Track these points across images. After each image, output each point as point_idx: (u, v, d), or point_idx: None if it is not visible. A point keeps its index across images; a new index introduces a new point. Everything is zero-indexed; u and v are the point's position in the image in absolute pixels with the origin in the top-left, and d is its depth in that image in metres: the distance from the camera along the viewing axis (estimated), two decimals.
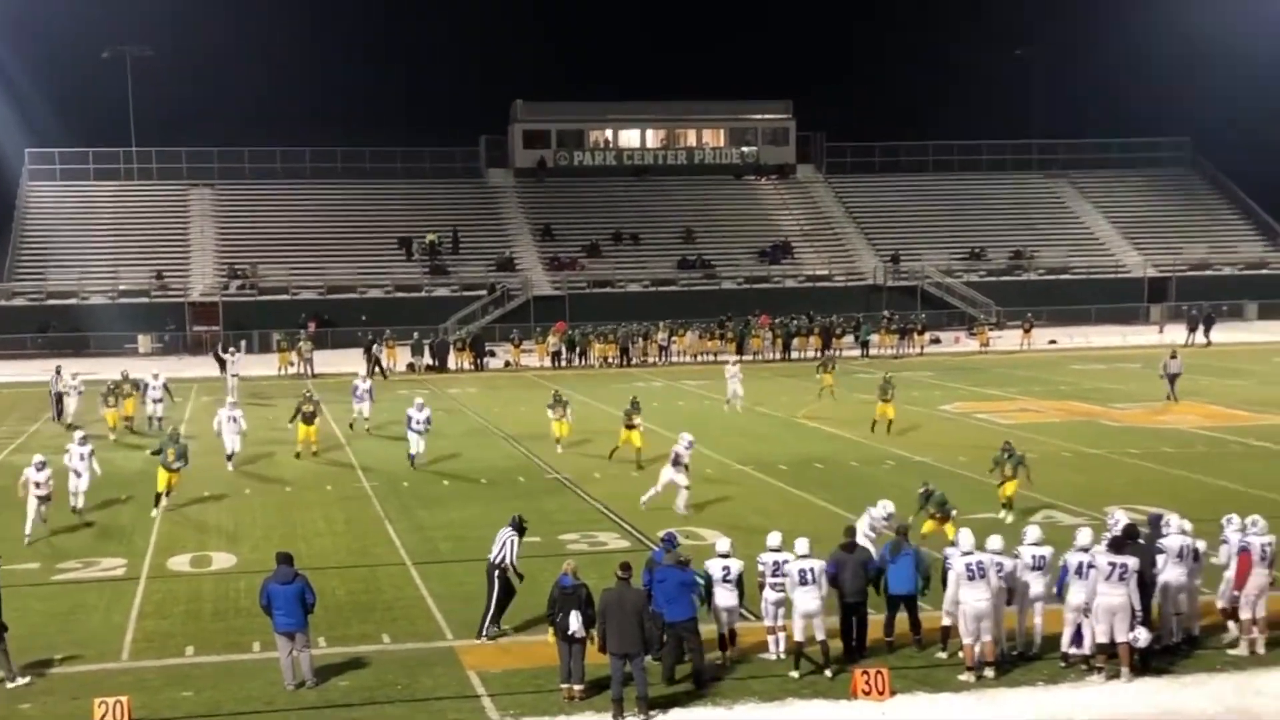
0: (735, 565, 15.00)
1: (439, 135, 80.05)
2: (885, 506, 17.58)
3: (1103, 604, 14.25)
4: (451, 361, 52.75)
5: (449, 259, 71.22)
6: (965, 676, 14.31)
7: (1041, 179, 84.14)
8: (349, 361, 50.18)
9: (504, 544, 16.03)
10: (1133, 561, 14.38)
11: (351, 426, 34.04)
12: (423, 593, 18.25)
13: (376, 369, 47.99)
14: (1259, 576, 15.00)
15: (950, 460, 27.64)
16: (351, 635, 16.30)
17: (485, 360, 53.48)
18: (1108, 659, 14.30)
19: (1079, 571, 14.49)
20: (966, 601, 14.37)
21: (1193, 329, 56.54)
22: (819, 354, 53.63)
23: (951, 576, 14.58)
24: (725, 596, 14.92)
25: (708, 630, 14.69)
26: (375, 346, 49.80)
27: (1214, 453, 28.42)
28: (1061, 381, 42.39)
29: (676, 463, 22.89)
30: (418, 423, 28.61)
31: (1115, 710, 13.63)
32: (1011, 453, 21.99)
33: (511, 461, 29.34)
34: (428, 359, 51.88)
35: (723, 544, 15.41)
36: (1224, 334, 57.54)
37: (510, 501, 23.87)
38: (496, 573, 15.91)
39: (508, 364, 53.85)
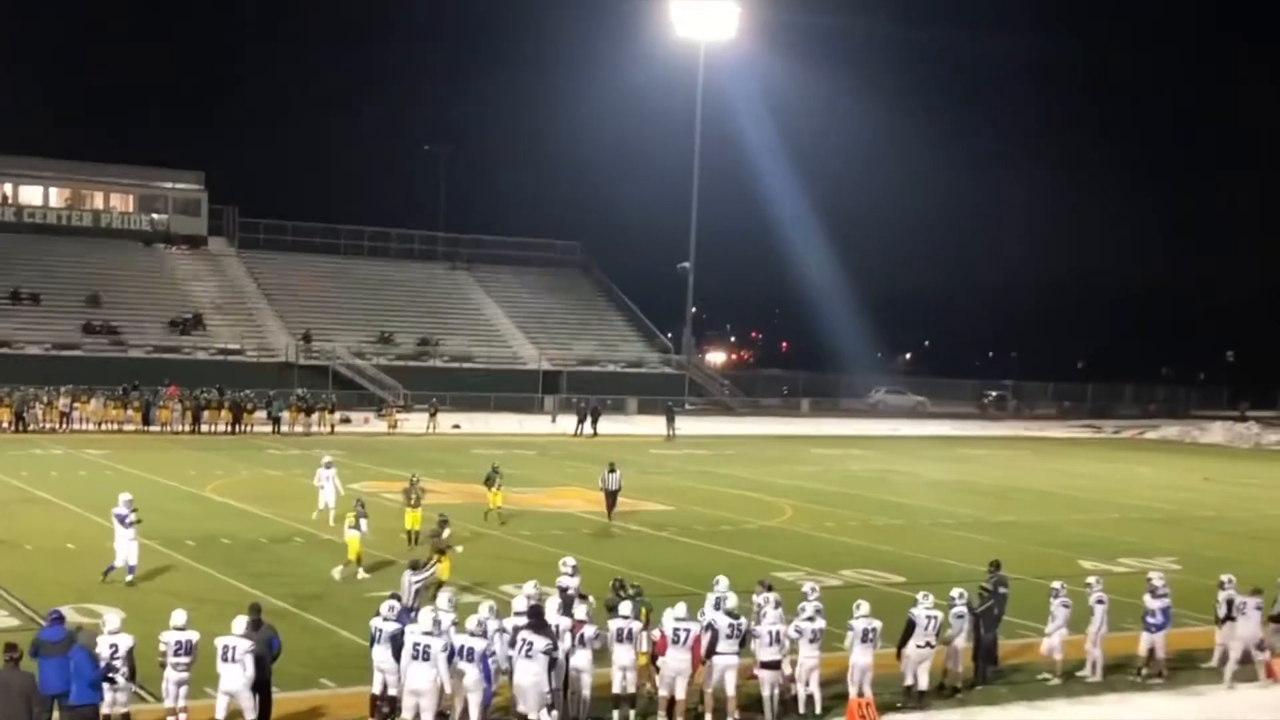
0: (124, 641, 14.31)
1: None
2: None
3: (517, 683, 14.81)
4: None
5: None
6: None
7: (446, 271, 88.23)
8: None
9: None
10: (540, 641, 14.93)
11: None
12: None
13: None
14: (675, 660, 15.80)
15: None
16: None
17: None
18: None
19: (468, 655, 14.82)
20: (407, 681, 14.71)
21: (581, 420, 61.41)
22: (229, 429, 53.60)
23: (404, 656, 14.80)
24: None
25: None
26: None
27: (598, 536, 31.07)
28: (463, 465, 44.62)
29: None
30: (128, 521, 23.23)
31: None
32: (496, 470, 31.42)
33: None
34: None
35: (112, 620, 14.76)
36: (608, 425, 62.81)
37: None
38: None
39: None
